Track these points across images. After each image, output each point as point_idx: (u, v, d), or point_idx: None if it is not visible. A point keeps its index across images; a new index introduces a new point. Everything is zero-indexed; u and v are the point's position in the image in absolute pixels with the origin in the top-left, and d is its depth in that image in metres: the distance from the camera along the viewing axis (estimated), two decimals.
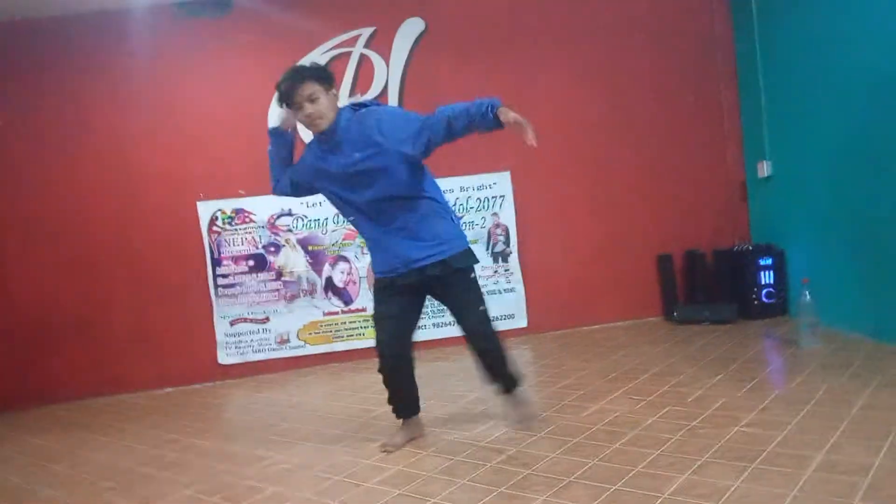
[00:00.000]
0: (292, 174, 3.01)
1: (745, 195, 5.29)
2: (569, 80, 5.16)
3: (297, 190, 3.05)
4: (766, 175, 4.94)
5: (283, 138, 2.99)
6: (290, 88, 2.74)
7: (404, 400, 3.13)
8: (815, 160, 4.39)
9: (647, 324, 5.13)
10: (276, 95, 2.83)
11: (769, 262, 4.83)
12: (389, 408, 3.16)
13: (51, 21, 4.74)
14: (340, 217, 4.91)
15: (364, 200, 2.85)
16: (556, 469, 2.61)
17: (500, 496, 2.44)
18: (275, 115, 2.84)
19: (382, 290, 2.98)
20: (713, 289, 5.06)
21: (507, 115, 2.60)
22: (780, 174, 4.86)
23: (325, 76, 2.80)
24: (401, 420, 3.15)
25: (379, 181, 2.81)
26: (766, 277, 4.84)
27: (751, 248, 4.95)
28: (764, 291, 4.84)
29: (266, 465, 3.10)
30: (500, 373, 3.12)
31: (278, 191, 3.08)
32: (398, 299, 2.95)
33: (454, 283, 2.94)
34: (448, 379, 4.22)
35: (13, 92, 4.69)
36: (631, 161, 5.22)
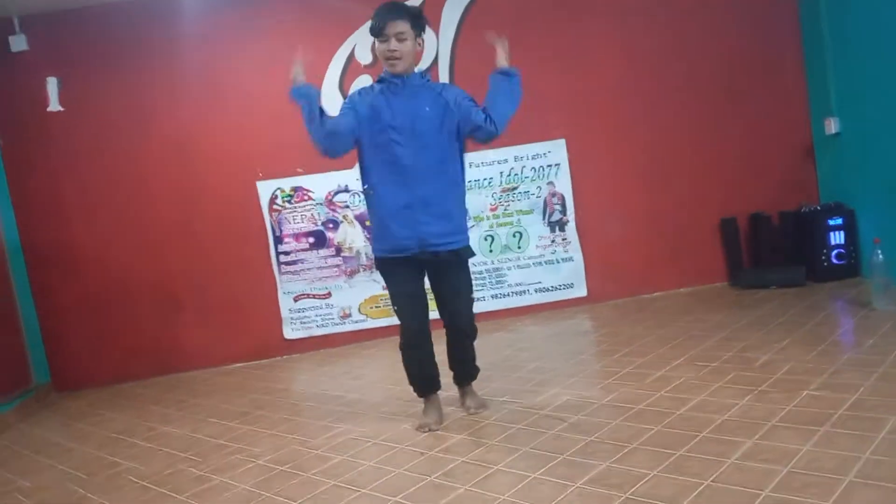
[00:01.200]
0: (343, 131, 2.85)
1: (813, 154, 5.09)
2: (624, 43, 5.03)
3: (349, 149, 2.93)
4: (833, 132, 4.73)
5: (312, 95, 2.83)
6: (384, 20, 2.76)
7: (429, 377, 3.11)
8: (886, 116, 4.19)
9: (711, 290, 5.02)
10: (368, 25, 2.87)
11: (839, 221, 4.65)
12: (439, 380, 3.17)
13: (106, 7, 4.86)
14: None
15: (408, 160, 2.81)
16: (619, 436, 2.60)
17: (562, 463, 2.45)
18: (298, 71, 2.85)
19: (392, 269, 2.96)
20: (780, 252, 4.90)
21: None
22: (848, 131, 4.65)
23: (418, 22, 2.82)
24: (424, 398, 3.15)
25: (432, 145, 2.83)
26: (836, 238, 4.66)
27: (818, 208, 4.77)
28: (834, 252, 4.66)
29: (332, 435, 3.18)
30: (466, 362, 3.16)
31: (336, 154, 2.92)
32: (412, 277, 2.97)
33: (456, 271, 2.98)
34: (507, 349, 4.23)
35: (77, 79, 4.84)
36: (690, 123, 5.07)
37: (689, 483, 2.13)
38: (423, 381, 3.12)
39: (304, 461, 2.89)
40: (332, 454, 2.93)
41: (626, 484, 2.19)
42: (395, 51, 2.76)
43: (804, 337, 3.52)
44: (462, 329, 3.05)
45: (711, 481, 2.12)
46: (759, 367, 3.15)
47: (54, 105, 4.86)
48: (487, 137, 2.92)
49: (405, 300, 2.97)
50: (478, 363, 3.21)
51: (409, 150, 2.82)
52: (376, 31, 2.78)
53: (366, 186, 2.96)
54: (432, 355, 3.08)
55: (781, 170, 5.10)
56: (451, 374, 3.21)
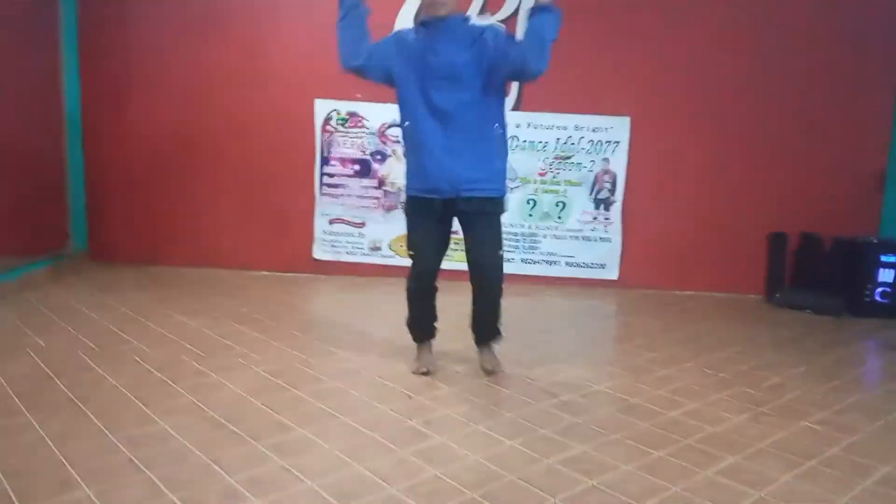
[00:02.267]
0: (374, 49, 2.86)
1: (882, 186, 4.86)
2: (709, 35, 4.81)
3: (369, 69, 2.89)
4: None
5: (358, 9, 2.86)
6: None
7: (427, 324, 3.16)
8: None
9: (744, 300, 4.90)
10: None
11: (892, 259, 4.47)
12: (437, 327, 3.21)
13: None
14: None
15: (448, 104, 2.79)
16: (606, 424, 2.60)
17: (541, 437, 2.46)
18: None
19: (418, 213, 2.96)
20: (824, 278, 4.74)
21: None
22: None
23: None
24: (418, 343, 3.19)
25: (472, 88, 2.80)
26: (885, 275, 4.48)
27: (875, 240, 4.58)
28: (879, 289, 4.49)
29: (333, 360, 3.25)
30: (488, 322, 3.12)
31: (353, 61, 2.87)
32: (436, 225, 2.95)
33: (487, 220, 2.93)
34: (524, 315, 4.22)
35: None
36: (762, 131, 4.87)
37: (658, 486, 2.12)
38: (422, 326, 3.17)
39: (298, 378, 2.97)
40: (326, 377, 3.00)
41: (596, 472, 2.19)
42: None
43: (822, 368, 3.42)
44: (488, 280, 2.98)
45: (680, 489, 2.10)
46: (765, 388, 3.08)
47: None
48: (530, 77, 2.85)
49: (425, 240, 2.97)
50: (501, 327, 3.17)
51: (447, 94, 2.80)
52: None
53: (406, 123, 2.92)
54: (434, 303, 3.12)
55: (847, 194, 4.89)
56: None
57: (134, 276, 4.89)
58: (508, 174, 3.19)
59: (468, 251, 2.97)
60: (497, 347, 3.20)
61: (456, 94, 2.80)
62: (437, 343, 3.23)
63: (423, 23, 2.89)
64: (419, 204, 2.95)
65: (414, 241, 3.01)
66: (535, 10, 2.75)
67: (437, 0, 2.77)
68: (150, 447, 2.26)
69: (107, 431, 2.37)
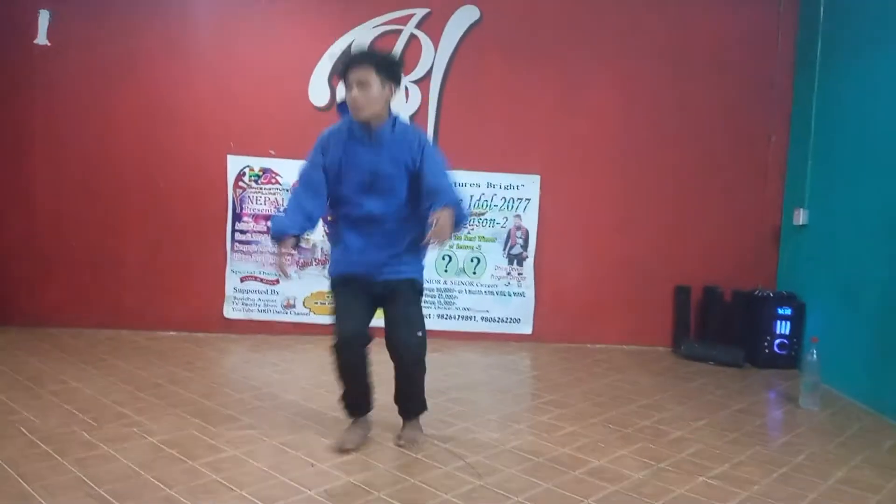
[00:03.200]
0: (310, 180, 2.87)
1: (778, 240, 5.13)
2: (614, 95, 5.05)
3: (315, 195, 2.87)
4: (801, 223, 4.77)
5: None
6: (347, 65, 2.75)
7: (361, 397, 3.01)
8: (852, 220, 4.24)
9: (652, 352, 5.03)
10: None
11: (788, 312, 4.69)
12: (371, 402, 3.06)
13: None
14: None
15: (371, 207, 2.83)
16: (508, 485, 2.59)
17: (443, 502, 2.42)
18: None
19: (343, 284, 2.92)
20: (726, 329, 4.93)
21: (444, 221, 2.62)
22: (815, 225, 4.70)
23: (386, 67, 2.75)
24: (351, 418, 3.04)
25: (393, 196, 2.83)
26: (782, 327, 4.69)
27: (772, 294, 4.80)
28: (777, 341, 4.69)
29: (236, 427, 3.14)
30: (411, 397, 3.04)
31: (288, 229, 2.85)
32: (360, 293, 2.89)
33: (405, 300, 2.89)
34: (437, 371, 4.17)
35: (69, 17, 4.77)
36: (665, 186, 5.10)
37: None
38: (355, 400, 3.01)
39: (195, 448, 2.85)
40: (225, 446, 2.89)
41: None
42: (357, 98, 2.71)
43: (723, 420, 3.53)
44: (403, 357, 2.87)
45: None
46: (667, 442, 3.15)
47: (42, 38, 4.83)
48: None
49: (344, 306, 2.88)
50: (424, 400, 3.09)
51: (367, 200, 2.83)
52: (341, 76, 2.78)
53: (330, 218, 2.99)
54: (368, 375, 2.95)
55: (745, 249, 5.14)
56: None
57: (29, 339, 4.64)
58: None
59: (387, 330, 2.87)
60: (421, 420, 3.12)
61: (375, 202, 2.83)
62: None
63: (350, 124, 2.84)
64: (342, 280, 2.94)
65: (335, 306, 2.92)
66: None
67: (356, 106, 2.73)
68: None
69: None
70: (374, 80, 2.71)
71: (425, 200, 2.80)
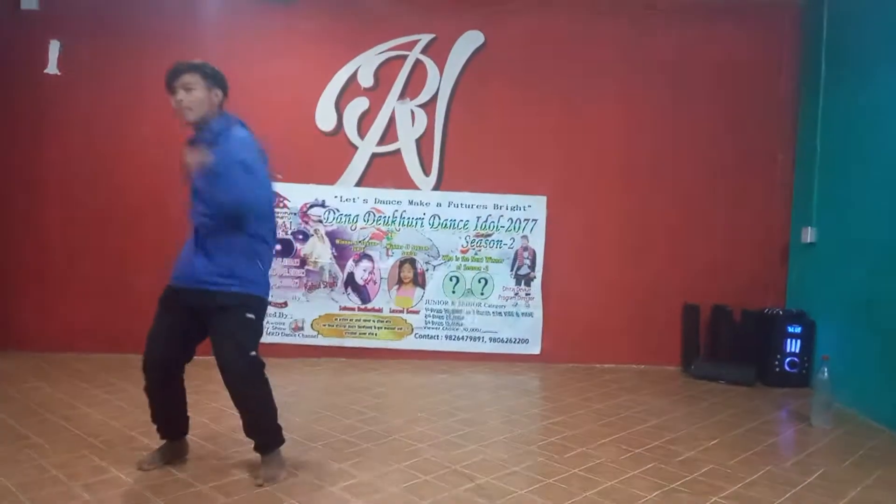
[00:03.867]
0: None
1: (786, 259, 5.12)
2: (619, 115, 5.08)
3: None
4: (809, 241, 4.77)
5: None
6: (172, 74, 2.77)
7: (170, 420, 2.93)
8: (860, 237, 4.24)
9: (661, 372, 5.01)
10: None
11: (798, 330, 4.66)
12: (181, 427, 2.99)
13: None
14: (371, 216, 5.01)
15: (196, 209, 2.79)
16: None
17: None
18: None
19: (164, 300, 2.87)
20: (736, 348, 4.91)
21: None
22: (823, 243, 4.69)
23: (210, 73, 2.80)
24: (165, 440, 2.94)
25: (208, 198, 2.72)
26: (793, 346, 4.67)
27: (781, 312, 4.78)
28: (787, 360, 4.67)
29: (242, 450, 3.12)
30: (253, 426, 2.84)
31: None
32: (177, 315, 2.80)
33: (226, 315, 2.73)
34: (445, 393, 4.19)
35: (79, 47, 4.85)
36: (673, 206, 5.11)
37: None
38: (163, 422, 2.93)
39: (203, 472, 2.85)
40: (234, 470, 2.88)
41: None
42: (182, 101, 2.75)
43: (734, 440, 3.50)
44: (235, 389, 2.77)
45: None
46: (678, 463, 3.13)
47: (52, 68, 4.91)
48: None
49: (155, 334, 2.83)
50: (271, 427, 2.88)
51: (194, 201, 2.81)
52: (167, 85, 2.80)
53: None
54: (180, 398, 2.94)
55: (754, 268, 5.13)
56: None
57: (41, 364, 4.65)
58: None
59: (217, 356, 2.79)
60: (278, 455, 2.88)
61: (199, 202, 2.79)
62: None
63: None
64: (169, 291, 2.89)
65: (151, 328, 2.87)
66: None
67: (182, 109, 2.78)
68: None
69: None
70: (199, 85, 2.78)
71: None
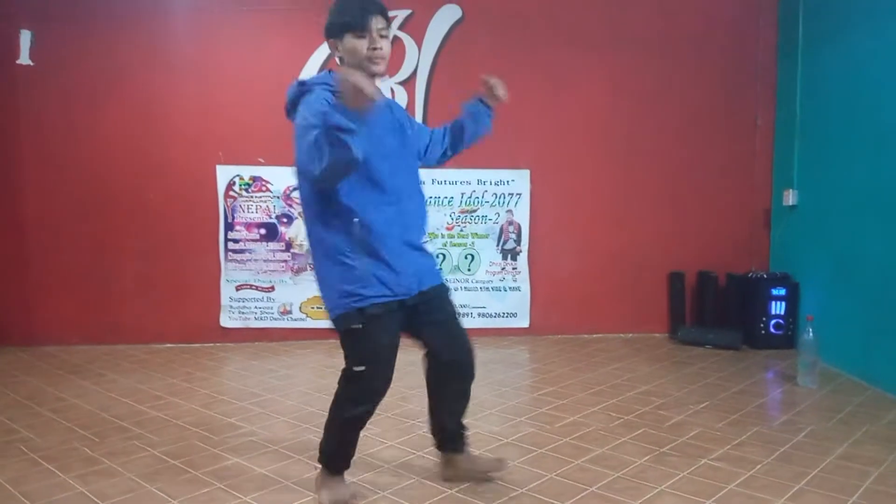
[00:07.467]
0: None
1: (769, 222, 5.15)
2: (601, 85, 5.06)
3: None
4: (791, 204, 4.79)
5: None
6: (366, 13, 2.20)
7: (353, 453, 2.48)
8: (842, 197, 4.26)
9: (649, 339, 5.05)
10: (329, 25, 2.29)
11: (782, 292, 4.71)
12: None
13: None
14: None
15: (402, 182, 2.33)
16: (513, 478, 2.60)
17: (450, 498, 2.44)
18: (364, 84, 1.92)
19: (380, 318, 2.24)
20: (722, 313, 4.95)
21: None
22: (805, 205, 4.72)
23: (389, 21, 2.30)
24: (335, 474, 2.46)
25: (409, 157, 2.45)
26: (777, 308, 4.71)
27: (765, 276, 4.83)
28: (773, 322, 4.71)
29: (236, 435, 3.13)
30: (463, 416, 2.64)
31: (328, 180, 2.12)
32: (398, 327, 2.34)
33: (450, 300, 2.50)
34: None
35: (51, 35, 4.77)
36: (655, 174, 5.12)
37: None
38: (349, 457, 2.47)
39: (197, 458, 2.85)
40: (228, 454, 2.89)
41: None
42: (382, 49, 2.23)
43: (722, 403, 3.54)
44: (472, 368, 2.53)
45: None
46: (668, 427, 3.16)
47: (24, 58, 4.82)
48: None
49: (385, 360, 2.32)
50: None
51: (398, 174, 2.32)
52: (357, 25, 2.19)
53: (356, 220, 2.20)
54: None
55: (736, 233, 5.16)
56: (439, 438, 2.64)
57: (26, 358, 4.62)
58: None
59: (444, 341, 2.48)
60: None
61: (407, 172, 2.44)
62: None
63: None
64: (383, 307, 2.25)
65: (375, 348, 2.29)
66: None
67: (376, 55, 2.24)
68: None
69: None
70: (387, 31, 2.28)
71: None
